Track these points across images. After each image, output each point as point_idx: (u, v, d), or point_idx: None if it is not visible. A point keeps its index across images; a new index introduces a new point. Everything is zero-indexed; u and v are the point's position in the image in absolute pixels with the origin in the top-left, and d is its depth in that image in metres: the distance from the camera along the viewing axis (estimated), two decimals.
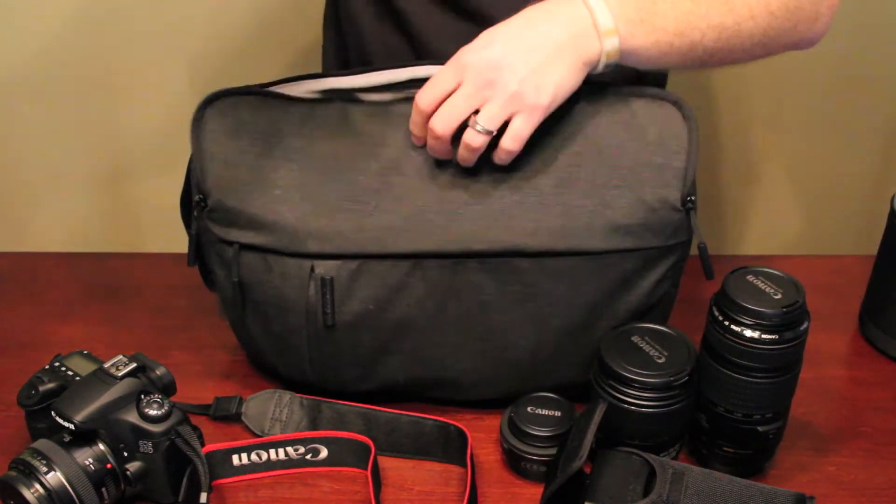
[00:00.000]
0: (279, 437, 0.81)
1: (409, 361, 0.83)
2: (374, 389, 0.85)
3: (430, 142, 0.77)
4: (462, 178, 0.78)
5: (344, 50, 1.00)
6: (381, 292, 0.79)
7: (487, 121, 0.74)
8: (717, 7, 0.78)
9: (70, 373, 0.78)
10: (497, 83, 0.74)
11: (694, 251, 0.83)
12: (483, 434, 0.83)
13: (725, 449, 0.78)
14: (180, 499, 0.75)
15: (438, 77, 0.76)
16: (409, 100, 0.78)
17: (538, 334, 0.81)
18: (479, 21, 0.81)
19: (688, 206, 0.79)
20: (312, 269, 0.79)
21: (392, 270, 0.78)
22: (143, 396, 0.73)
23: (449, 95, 0.76)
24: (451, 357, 0.82)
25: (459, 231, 0.77)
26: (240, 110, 0.81)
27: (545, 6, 0.76)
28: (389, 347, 0.82)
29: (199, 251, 0.84)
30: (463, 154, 0.77)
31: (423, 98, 0.76)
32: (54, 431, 0.73)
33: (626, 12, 0.76)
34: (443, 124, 0.75)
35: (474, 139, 0.75)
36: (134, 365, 0.75)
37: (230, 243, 0.80)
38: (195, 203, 0.81)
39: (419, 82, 0.77)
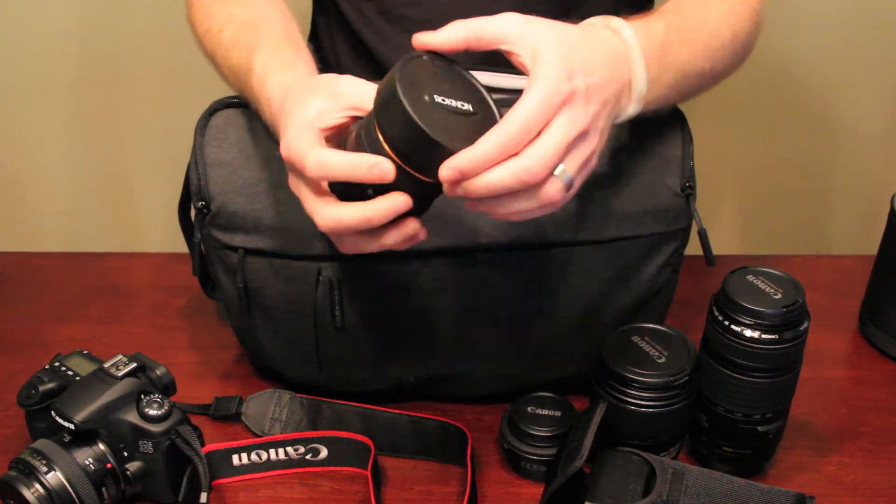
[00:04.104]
0: (279, 437, 0.81)
1: (419, 359, 0.83)
2: (382, 389, 0.85)
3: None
4: None
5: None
6: (390, 291, 0.79)
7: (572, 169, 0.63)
8: (702, 52, 0.76)
9: (70, 373, 0.78)
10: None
11: (693, 247, 0.83)
12: (483, 434, 0.83)
13: (725, 449, 0.78)
14: (180, 499, 0.75)
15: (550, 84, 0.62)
16: None
17: (546, 325, 0.81)
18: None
19: (687, 191, 0.80)
20: (319, 272, 0.78)
21: (400, 269, 0.78)
22: (143, 396, 0.73)
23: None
24: (460, 352, 0.82)
25: (466, 226, 0.77)
26: (245, 119, 0.81)
27: (597, 46, 0.66)
28: (399, 346, 0.82)
29: (202, 259, 0.84)
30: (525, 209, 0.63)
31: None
32: (54, 431, 0.73)
33: (650, 71, 0.70)
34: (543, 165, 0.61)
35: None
36: (134, 365, 0.75)
37: (235, 248, 0.80)
38: (197, 210, 0.80)
39: None
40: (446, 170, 0.60)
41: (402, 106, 0.58)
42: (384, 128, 0.61)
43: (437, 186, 0.62)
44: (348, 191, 0.63)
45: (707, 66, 0.77)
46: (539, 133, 0.61)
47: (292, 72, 0.73)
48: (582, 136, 0.63)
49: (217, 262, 0.82)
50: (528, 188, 0.61)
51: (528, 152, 0.61)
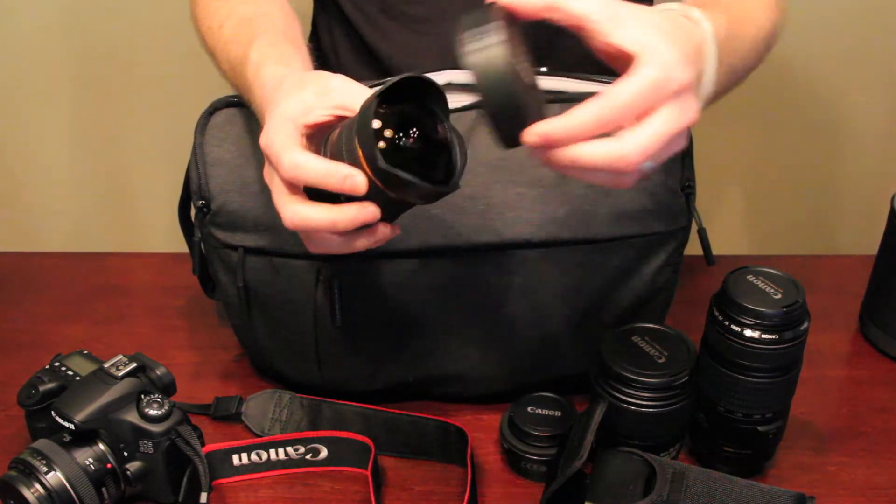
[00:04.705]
0: (279, 437, 0.81)
1: (418, 358, 0.83)
2: (382, 388, 0.85)
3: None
4: (464, 174, 0.78)
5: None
6: (388, 290, 0.79)
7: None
8: (751, 45, 0.73)
9: (70, 373, 0.78)
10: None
11: (693, 247, 0.83)
12: (483, 434, 0.83)
13: (725, 449, 0.78)
14: (180, 499, 0.75)
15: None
16: None
17: (545, 325, 0.81)
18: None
19: (686, 190, 0.80)
20: (319, 271, 0.78)
21: (399, 268, 0.78)
22: (143, 396, 0.73)
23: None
24: (459, 352, 0.82)
25: (464, 226, 0.77)
26: (245, 118, 0.81)
27: (687, 35, 0.61)
28: (398, 345, 0.82)
29: (202, 259, 0.84)
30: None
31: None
32: (54, 431, 0.73)
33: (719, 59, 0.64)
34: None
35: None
36: (134, 365, 0.75)
37: (235, 247, 0.80)
38: (197, 209, 0.80)
39: None
40: (531, 135, 0.55)
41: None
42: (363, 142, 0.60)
43: (407, 204, 0.62)
44: (321, 193, 0.63)
45: (752, 59, 0.73)
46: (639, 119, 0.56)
47: (287, 66, 0.72)
48: (684, 133, 0.57)
49: (217, 261, 0.82)
50: (615, 171, 0.56)
51: (629, 138, 0.55)
